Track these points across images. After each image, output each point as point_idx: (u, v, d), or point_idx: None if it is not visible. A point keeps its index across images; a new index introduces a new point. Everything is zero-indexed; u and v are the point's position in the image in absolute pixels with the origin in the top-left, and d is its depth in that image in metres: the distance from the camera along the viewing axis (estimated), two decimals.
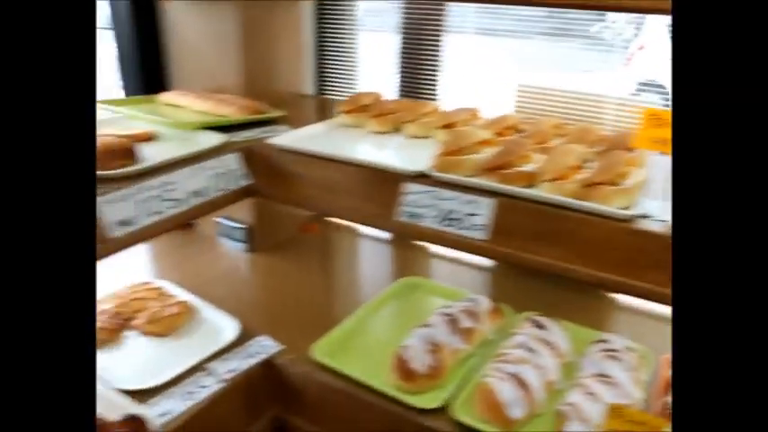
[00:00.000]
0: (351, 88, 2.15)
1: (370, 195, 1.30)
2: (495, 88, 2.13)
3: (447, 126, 1.50)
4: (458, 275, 1.90)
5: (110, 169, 1.24)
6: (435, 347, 1.35)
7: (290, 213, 2.01)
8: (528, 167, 1.25)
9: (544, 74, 1.95)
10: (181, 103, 1.72)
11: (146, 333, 1.56)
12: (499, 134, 1.46)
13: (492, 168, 1.23)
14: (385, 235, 2.11)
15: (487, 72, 2.16)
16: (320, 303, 1.76)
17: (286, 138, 1.45)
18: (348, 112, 1.61)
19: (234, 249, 1.97)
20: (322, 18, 2.10)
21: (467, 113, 1.57)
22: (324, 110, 1.95)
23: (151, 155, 1.34)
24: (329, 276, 1.93)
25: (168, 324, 1.56)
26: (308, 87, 2.07)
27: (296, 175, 1.39)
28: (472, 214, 1.19)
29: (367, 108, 1.62)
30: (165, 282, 1.75)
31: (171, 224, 1.26)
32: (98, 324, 1.52)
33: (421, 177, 1.26)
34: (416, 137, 1.53)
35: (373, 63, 2.15)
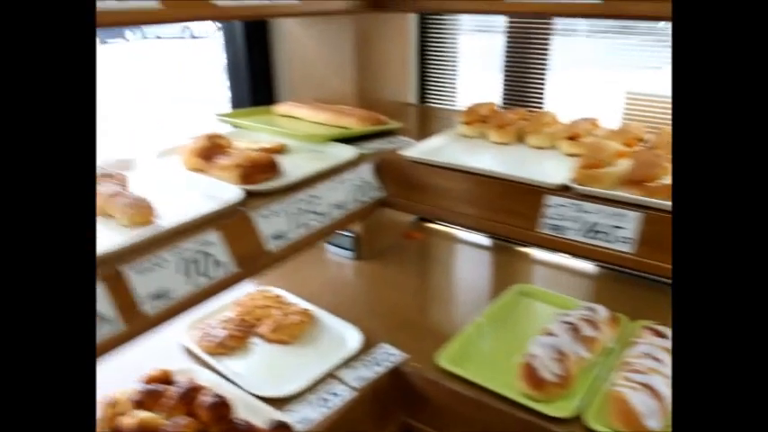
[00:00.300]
0: (452, 96, 2.14)
1: (510, 208, 1.29)
2: (591, 90, 2.11)
3: (571, 137, 1.49)
4: (559, 280, 1.89)
5: (255, 183, 1.25)
6: (561, 356, 1.34)
7: (393, 220, 2.02)
8: (669, 180, 1.23)
9: (618, 72, 1.90)
10: (298, 114, 1.73)
11: (271, 340, 1.57)
12: (627, 144, 1.44)
13: (634, 181, 1.21)
14: (485, 241, 2.10)
15: (587, 75, 2.12)
16: (432, 310, 1.77)
17: (416, 150, 1.45)
18: (468, 123, 1.60)
19: (341, 257, 1.98)
20: (425, 26, 2.10)
21: (588, 123, 1.55)
22: (433, 119, 1.95)
23: (289, 168, 1.35)
24: (436, 283, 1.93)
25: (292, 332, 1.58)
26: (411, 96, 2.07)
27: (430, 188, 1.39)
28: (618, 227, 1.18)
29: (486, 118, 1.61)
30: (277, 289, 1.77)
31: (317, 237, 1.27)
32: (226, 332, 1.55)
33: (563, 190, 1.25)
34: (539, 147, 1.52)
35: (475, 69, 2.14)
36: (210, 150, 1.34)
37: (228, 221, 1.12)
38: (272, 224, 1.18)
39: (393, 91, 1.95)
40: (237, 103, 1.98)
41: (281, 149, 1.49)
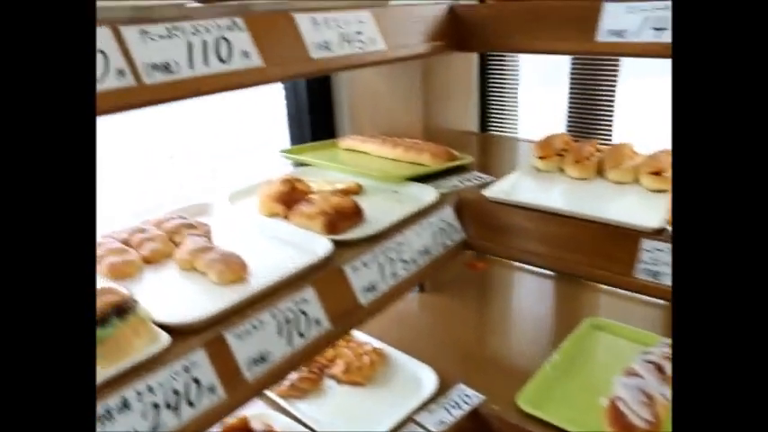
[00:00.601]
0: (513, 121, 2.07)
1: (604, 252, 1.22)
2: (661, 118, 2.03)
3: (654, 172, 1.41)
4: (630, 312, 1.81)
5: (341, 230, 1.20)
6: (649, 399, 1.27)
7: None
8: None
9: None
10: (365, 149, 1.68)
11: (344, 382, 1.52)
12: None
13: None
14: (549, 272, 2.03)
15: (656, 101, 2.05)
16: (502, 345, 1.71)
17: (495, 188, 1.38)
18: (543, 157, 1.53)
19: None
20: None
21: (668, 156, 1.48)
22: (501, 149, 1.88)
23: (371, 211, 1.29)
24: (503, 315, 1.87)
25: (366, 373, 1.53)
26: (473, 123, 2.00)
27: (514, 229, 1.32)
28: None
29: (561, 151, 1.55)
30: None
31: (406, 287, 1.21)
32: (301, 374, 1.49)
33: (658, 233, 1.18)
34: (621, 182, 1.45)
35: (536, 93, 2.07)
36: (290, 195, 1.29)
37: (321, 276, 1.07)
38: (364, 276, 1.13)
39: (455, 119, 1.89)
40: (297, 136, 1.93)
41: (357, 190, 1.43)
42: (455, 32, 1.32)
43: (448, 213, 1.34)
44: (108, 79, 0.74)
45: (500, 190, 1.38)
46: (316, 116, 1.89)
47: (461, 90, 1.88)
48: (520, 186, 1.43)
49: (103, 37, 0.74)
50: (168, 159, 1.78)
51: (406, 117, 1.74)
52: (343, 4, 1.11)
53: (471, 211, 1.38)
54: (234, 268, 1.04)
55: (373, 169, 1.52)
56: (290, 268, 1.04)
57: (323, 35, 1.02)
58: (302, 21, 1.00)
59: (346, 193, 1.40)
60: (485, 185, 1.43)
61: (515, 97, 2.05)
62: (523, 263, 1.34)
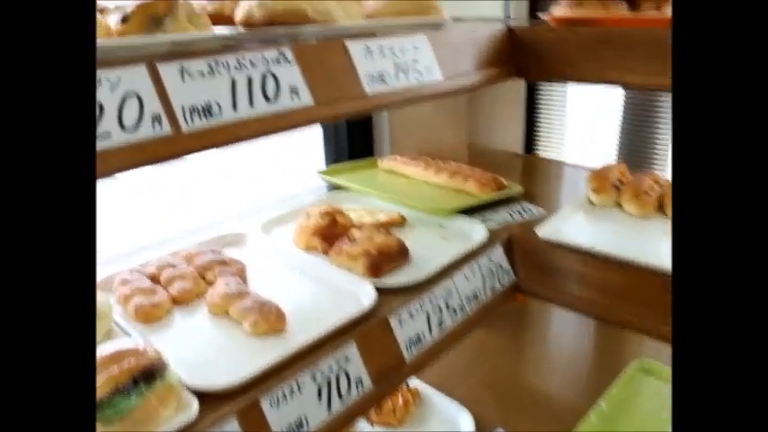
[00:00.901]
0: (559, 142, 1.94)
1: (662, 303, 1.10)
2: None
3: None
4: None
5: (384, 273, 1.09)
6: None
7: None
8: None
9: None
10: (407, 172, 1.56)
11: (377, 423, 1.41)
12: None
13: None
14: None
15: None
16: (542, 385, 1.60)
17: (549, 227, 1.26)
18: (599, 191, 1.40)
19: None
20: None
21: None
22: (551, 176, 1.74)
23: (415, 248, 1.18)
24: (544, 352, 1.75)
25: (400, 415, 1.42)
26: (518, 144, 1.88)
27: (568, 274, 1.20)
28: None
29: (618, 184, 1.42)
30: None
31: (454, 338, 1.09)
32: None
33: None
34: None
35: (584, 115, 1.94)
36: (330, 230, 1.18)
37: (365, 329, 0.96)
38: (410, 327, 1.02)
39: (501, 140, 1.77)
40: (332, 152, 1.81)
41: (400, 222, 1.32)
42: (515, 58, 1.20)
43: (498, 254, 1.22)
44: (142, 127, 0.63)
45: (553, 229, 1.25)
46: (353, 131, 1.77)
47: (508, 110, 1.76)
48: (574, 224, 1.31)
49: (138, 77, 0.64)
50: (196, 177, 1.68)
51: (451, 137, 1.63)
52: (396, 25, 1.00)
53: (522, 250, 1.26)
54: (270, 319, 0.94)
55: (418, 199, 1.40)
56: (333, 321, 0.93)
57: (377, 65, 0.90)
58: (355, 49, 0.88)
59: (389, 224, 1.29)
60: (535, 221, 1.31)
61: (563, 118, 1.92)
62: (579, 312, 1.21)
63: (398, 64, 0.94)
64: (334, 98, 0.83)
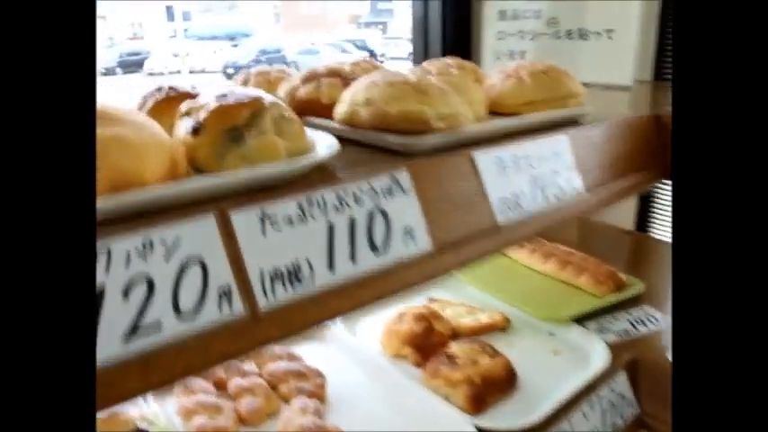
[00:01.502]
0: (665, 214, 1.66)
1: None
2: None
3: None
4: None
5: (488, 406, 0.88)
6: None
7: None
8: None
9: None
10: (510, 254, 1.33)
11: None
12: None
13: None
14: None
15: None
16: None
17: None
18: None
19: None
20: None
21: None
22: (663, 260, 1.47)
23: (523, 368, 0.95)
24: None
25: None
26: (629, 221, 1.60)
27: None
28: None
29: None
30: None
31: None
32: None
33: None
34: None
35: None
36: (424, 338, 0.98)
37: None
38: None
39: (612, 215, 1.51)
40: None
41: (503, 326, 1.09)
42: (663, 155, 0.95)
43: (621, 382, 0.98)
44: (205, 309, 0.44)
45: None
46: None
47: None
48: None
49: (203, 234, 0.45)
50: None
51: None
52: (533, 124, 0.77)
53: (649, 377, 1.01)
54: None
55: (526, 298, 1.16)
56: None
57: (512, 184, 0.68)
58: (486, 165, 0.67)
59: (490, 327, 1.07)
60: (662, 333, 1.06)
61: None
62: None
63: (536, 178, 0.71)
64: (459, 238, 0.61)
